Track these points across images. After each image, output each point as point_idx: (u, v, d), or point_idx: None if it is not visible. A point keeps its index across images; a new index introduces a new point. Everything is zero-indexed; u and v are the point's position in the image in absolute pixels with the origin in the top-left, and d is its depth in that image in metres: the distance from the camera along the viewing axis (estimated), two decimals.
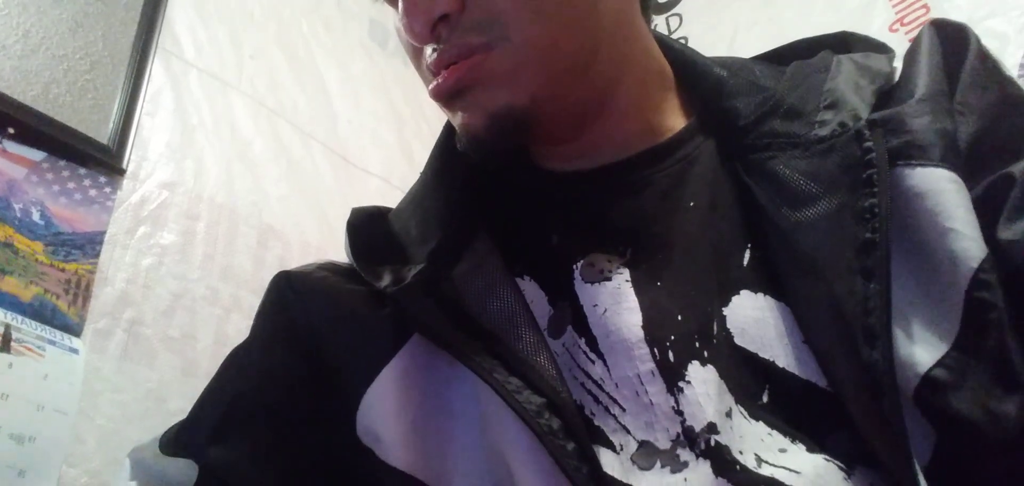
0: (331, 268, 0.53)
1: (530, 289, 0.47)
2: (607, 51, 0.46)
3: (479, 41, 0.43)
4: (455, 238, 0.48)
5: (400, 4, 0.44)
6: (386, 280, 0.46)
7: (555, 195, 0.51)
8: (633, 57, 0.49)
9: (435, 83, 0.44)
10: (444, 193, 0.51)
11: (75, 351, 1.04)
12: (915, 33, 1.36)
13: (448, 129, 0.53)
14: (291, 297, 0.51)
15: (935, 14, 1.31)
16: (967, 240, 0.37)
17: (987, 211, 0.39)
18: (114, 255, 1.14)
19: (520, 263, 0.48)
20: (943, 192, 0.38)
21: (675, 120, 0.51)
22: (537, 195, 0.52)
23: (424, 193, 0.52)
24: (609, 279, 0.45)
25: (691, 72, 0.52)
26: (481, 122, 0.44)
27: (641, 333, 0.42)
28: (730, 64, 0.52)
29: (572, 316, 0.45)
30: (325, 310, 0.49)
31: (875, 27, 1.39)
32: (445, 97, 0.45)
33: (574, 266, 0.46)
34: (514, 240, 0.49)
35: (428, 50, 0.45)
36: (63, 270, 1.07)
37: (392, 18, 0.48)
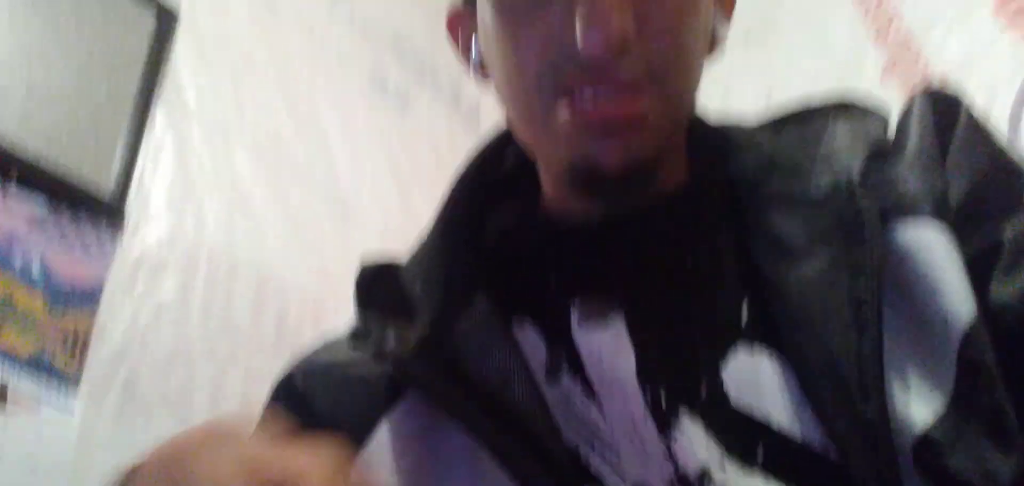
0: (334, 343, 0.53)
1: (528, 335, 0.48)
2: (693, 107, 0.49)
3: (643, 79, 0.43)
4: (457, 300, 0.48)
5: (582, 16, 0.42)
6: (390, 341, 0.47)
7: (555, 241, 0.52)
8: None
9: (587, 102, 0.44)
10: (448, 254, 0.52)
11: (70, 408, 1.03)
12: (907, 82, 1.38)
13: (457, 186, 0.55)
14: (295, 393, 0.51)
15: (924, 62, 1.33)
16: (958, 298, 0.38)
17: (978, 271, 0.39)
18: (112, 308, 1.14)
19: (519, 308, 0.49)
20: (933, 250, 0.39)
21: (679, 174, 0.52)
22: (538, 241, 0.53)
23: (429, 253, 0.53)
24: (606, 324, 0.45)
25: (694, 128, 0.53)
26: (619, 162, 0.44)
27: (635, 376, 0.43)
28: (732, 124, 0.53)
29: (568, 361, 0.45)
30: (327, 391, 0.49)
31: (866, 75, 1.41)
32: (600, 126, 0.44)
33: (571, 310, 0.47)
34: (514, 285, 0.50)
35: (567, 68, 0.44)
36: (62, 322, 1.07)
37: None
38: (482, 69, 0.53)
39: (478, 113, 2.00)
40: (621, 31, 0.41)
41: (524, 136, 0.50)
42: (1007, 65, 1.22)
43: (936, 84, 0.49)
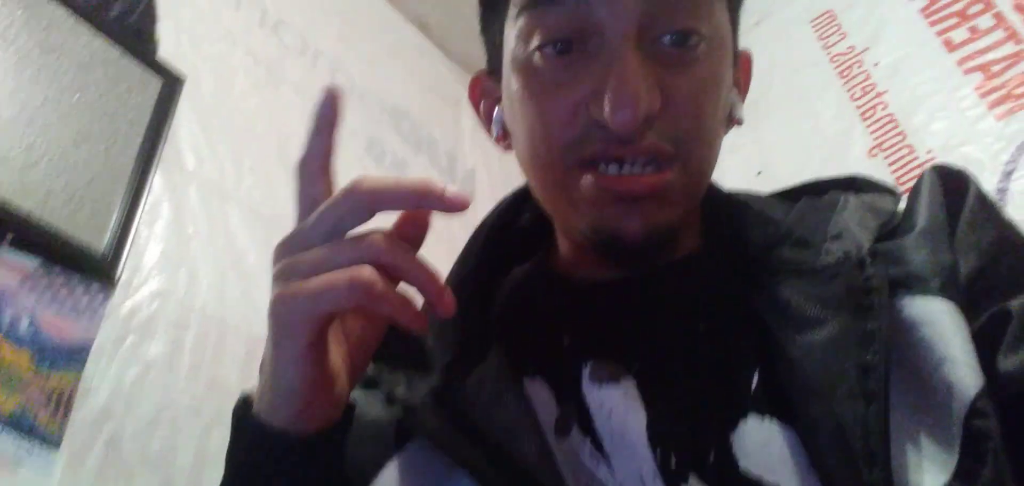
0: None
1: (539, 390, 0.48)
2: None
3: (668, 152, 0.45)
4: (469, 351, 0.49)
5: (612, 90, 0.44)
6: (400, 388, 0.48)
7: (570, 300, 0.53)
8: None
9: (612, 171, 0.45)
10: (462, 308, 0.52)
11: (51, 468, 1.01)
12: (893, 159, 1.41)
13: (473, 241, 0.56)
14: None
15: (911, 141, 1.36)
16: (964, 369, 0.38)
17: (986, 344, 0.39)
18: (99, 365, 1.12)
19: (531, 363, 0.49)
20: (941, 322, 0.39)
21: (692, 241, 0.53)
22: (553, 299, 0.54)
23: None
24: (617, 383, 0.46)
25: (709, 197, 0.54)
26: (640, 230, 0.46)
27: (645, 435, 0.43)
28: (744, 195, 0.54)
29: (578, 416, 0.46)
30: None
31: (854, 153, 1.44)
32: (623, 196, 0.45)
33: (583, 367, 0.47)
34: (526, 341, 0.51)
35: (594, 138, 0.45)
36: (47, 380, 1.05)
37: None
38: (504, 135, 0.54)
39: (474, 179, 2.03)
40: (649, 106, 0.43)
41: (546, 203, 0.51)
42: (991, 144, 1.24)
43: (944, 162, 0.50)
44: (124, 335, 1.17)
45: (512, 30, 0.49)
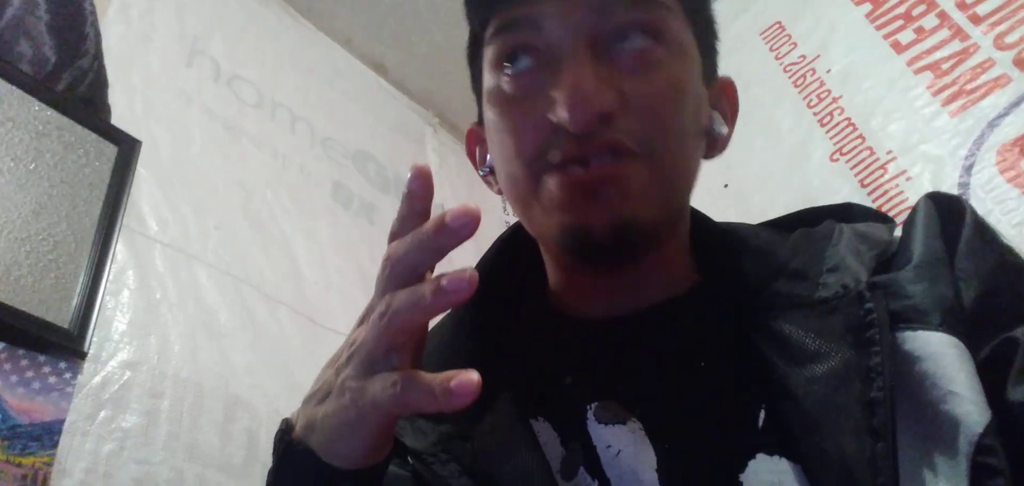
0: None
1: (544, 431, 0.48)
2: (688, 196, 0.51)
3: (629, 147, 0.45)
4: (480, 398, 0.49)
5: (564, 90, 0.44)
6: (408, 436, 0.47)
7: (571, 339, 0.52)
8: (687, 208, 0.53)
9: (576, 171, 0.45)
10: (468, 351, 0.52)
11: None
12: (855, 162, 1.44)
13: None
14: None
15: (870, 144, 1.39)
16: (970, 404, 0.38)
17: (992, 375, 0.40)
18: (73, 444, 1.08)
19: (535, 404, 0.49)
20: (944, 356, 0.39)
21: (688, 277, 0.53)
22: (554, 339, 0.53)
23: (449, 346, 0.53)
24: (623, 422, 0.46)
25: (701, 232, 0.54)
26: (607, 224, 0.45)
27: (656, 476, 0.43)
28: (738, 228, 0.54)
29: (584, 457, 0.46)
30: None
31: (816, 158, 1.46)
32: (586, 190, 0.45)
33: (587, 407, 0.47)
34: (530, 382, 0.50)
35: (559, 144, 0.46)
36: (20, 465, 1.01)
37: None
38: (492, 174, 0.56)
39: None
40: (602, 103, 0.44)
41: (523, 217, 0.52)
42: (949, 140, 1.27)
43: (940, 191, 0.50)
44: (97, 410, 1.13)
45: (486, 69, 0.51)
